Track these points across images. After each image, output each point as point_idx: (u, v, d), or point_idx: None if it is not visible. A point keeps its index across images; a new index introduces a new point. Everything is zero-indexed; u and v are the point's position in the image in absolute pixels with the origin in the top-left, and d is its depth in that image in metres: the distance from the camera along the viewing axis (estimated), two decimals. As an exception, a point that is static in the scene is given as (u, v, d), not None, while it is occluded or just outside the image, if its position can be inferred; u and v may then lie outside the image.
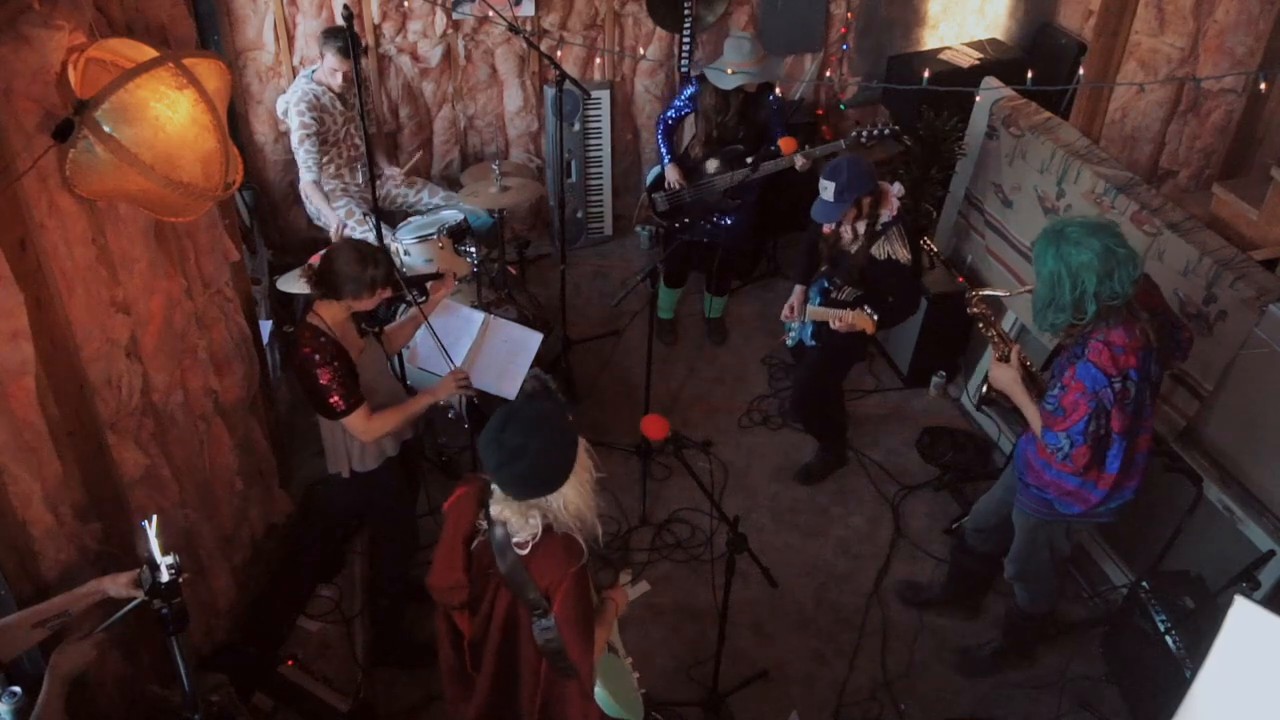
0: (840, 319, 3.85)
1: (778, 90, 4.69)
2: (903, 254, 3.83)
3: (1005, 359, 3.12)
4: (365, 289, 3.06)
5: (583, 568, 2.39)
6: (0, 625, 2.38)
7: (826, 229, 3.98)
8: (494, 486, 2.40)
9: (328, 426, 3.27)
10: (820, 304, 4.09)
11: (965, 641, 3.85)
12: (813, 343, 4.16)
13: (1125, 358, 2.79)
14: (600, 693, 2.56)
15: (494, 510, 2.40)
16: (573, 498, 2.36)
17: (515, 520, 2.37)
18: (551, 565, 2.36)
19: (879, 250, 3.84)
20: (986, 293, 3.25)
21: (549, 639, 2.42)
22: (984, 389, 3.28)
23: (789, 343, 4.40)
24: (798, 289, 4.19)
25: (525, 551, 2.36)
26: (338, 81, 4.57)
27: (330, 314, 3.11)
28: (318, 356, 3.04)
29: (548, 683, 2.55)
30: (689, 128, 5.03)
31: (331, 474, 3.40)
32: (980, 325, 3.21)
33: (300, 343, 3.07)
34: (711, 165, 4.67)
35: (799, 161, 4.43)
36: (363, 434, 3.20)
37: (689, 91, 4.71)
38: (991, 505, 3.55)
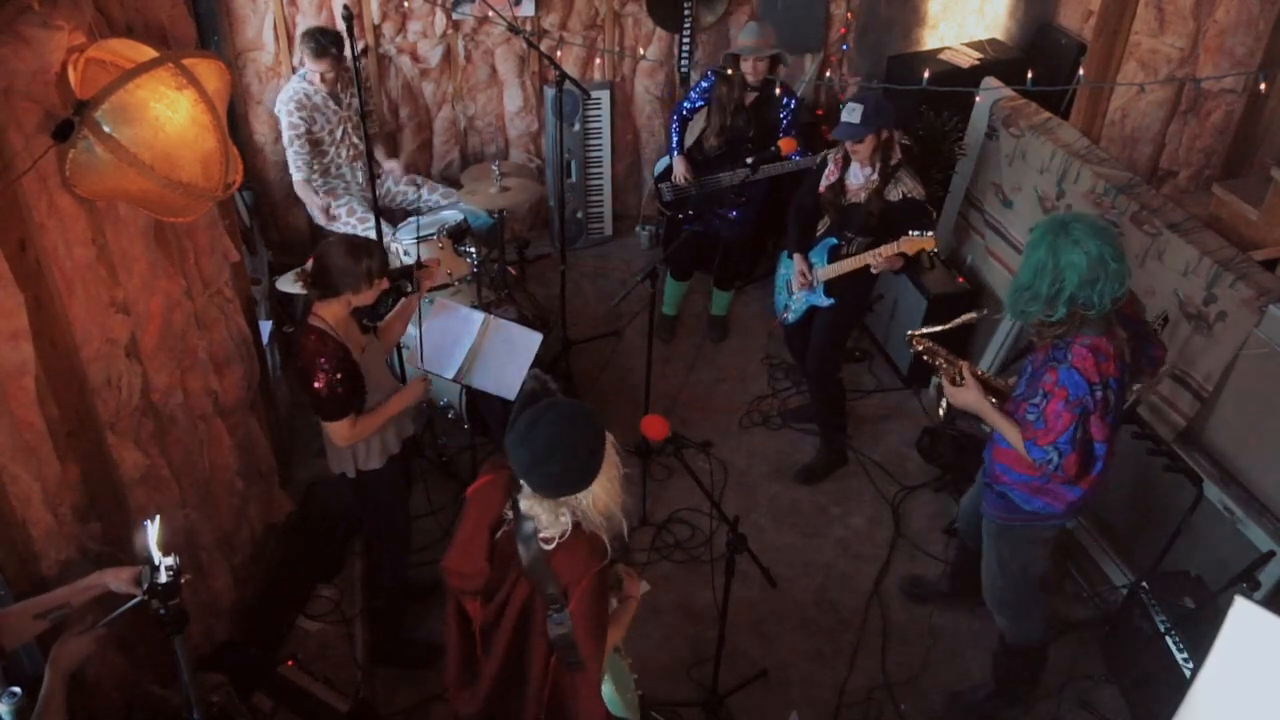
0: (879, 255, 3.83)
1: (796, 95, 4.71)
2: (918, 190, 3.88)
3: (959, 381, 3.08)
4: (363, 280, 3.03)
5: (604, 568, 2.40)
6: (0, 615, 2.39)
7: (823, 189, 3.98)
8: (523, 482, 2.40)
9: None
10: (828, 263, 4.10)
11: (961, 663, 3.81)
12: (829, 300, 4.15)
13: (1107, 365, 2.76)
14: (607, 689, 2.59)
15: (523, 505, 2.39)
16: (601, 495, 2.37)
17: (545, 516, 2.35)
18: (574, 562, 2.36)
19: (892, 192, 3.87)
20: (925, 331, 3.21)
21: (562, 633, 2.42)
22: (944, 407, 3.24)
23: (790, 319, 4.37)
24: (798, 257, 4.19)
25: (550, 547, 2.36)
26: (318, 81, 4.61)
27: (331, 313, 3.06)
28: (323, 360, 3.00)
29: (556, 676, 2.56)
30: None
31: (335, 473, 3.38)
32: (925, 359, 3.18)
33: (306, 347, 3.02)
34: (726, 176, 4.70)
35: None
36: (343, 440, 3.17)
37: (704, 84, 4.71)
38: (976, 500, 3.52)
